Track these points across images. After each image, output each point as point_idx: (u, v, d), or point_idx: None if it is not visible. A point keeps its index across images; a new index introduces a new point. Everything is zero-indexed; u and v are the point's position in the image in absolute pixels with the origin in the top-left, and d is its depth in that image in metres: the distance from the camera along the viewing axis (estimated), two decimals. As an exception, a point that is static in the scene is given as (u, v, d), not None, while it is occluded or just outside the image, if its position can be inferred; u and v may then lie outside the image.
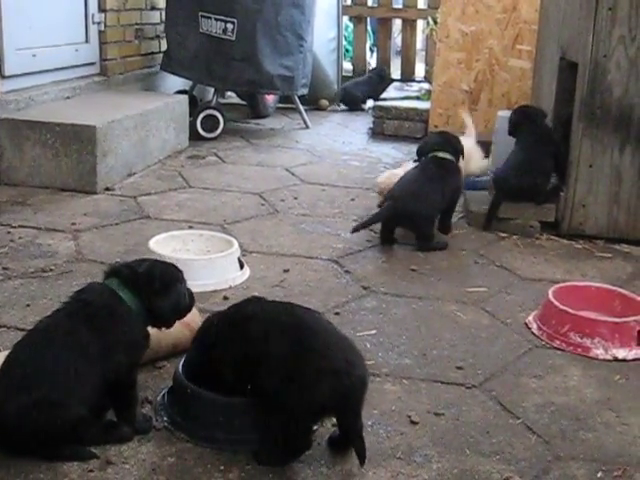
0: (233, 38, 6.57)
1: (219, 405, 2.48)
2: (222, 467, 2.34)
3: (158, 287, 2.49)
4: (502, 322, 3.46)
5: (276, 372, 2.31)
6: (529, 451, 2.51)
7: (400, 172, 4.63)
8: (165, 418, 2.56)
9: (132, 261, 2.58)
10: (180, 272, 2.61)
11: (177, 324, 2.81)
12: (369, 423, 2.56)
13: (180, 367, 2.61)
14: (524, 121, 4.87)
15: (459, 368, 3.02)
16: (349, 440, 2.38)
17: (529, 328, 3.40)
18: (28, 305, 3.33)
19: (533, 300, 3.65)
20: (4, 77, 5.22)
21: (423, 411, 2.69)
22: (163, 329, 2.61)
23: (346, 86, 8.83)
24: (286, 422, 2.30)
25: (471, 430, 2.60)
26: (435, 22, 7.81)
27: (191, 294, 2.64)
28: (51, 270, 3.74)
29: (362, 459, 2.34)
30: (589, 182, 4.51)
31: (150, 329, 2.57)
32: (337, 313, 3.42)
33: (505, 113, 5.78)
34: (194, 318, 2.96)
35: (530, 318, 3.47)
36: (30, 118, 5.11)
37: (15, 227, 4.31)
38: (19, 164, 5.09)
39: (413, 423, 2.62)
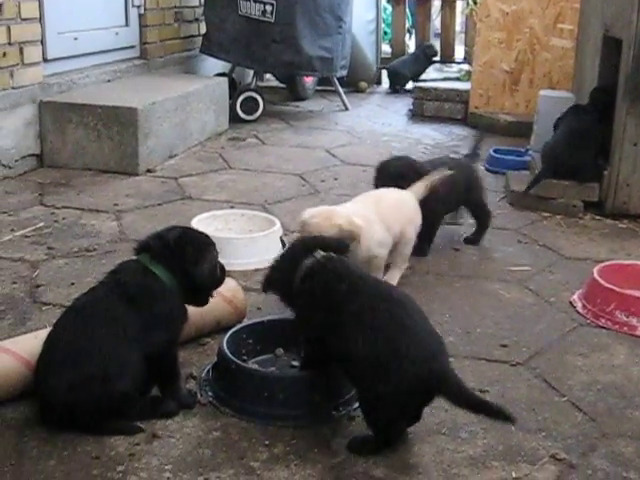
0: (272, 20, 6.57)
1: (263, 380, 2.48)
2: (267, 442, 2.35)
3: (192, 255, 2.46)
4: (546, 301, 3.43)
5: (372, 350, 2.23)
6: (575, 428, 2.49)
7: (340, 209, 3.24)
8: (210, 393, 2.57)
9: (161, 230, 2.55)
10: (211, 240, 2.58)
11: (220, 300, 2.84)
12: (413, 400, 2.55)
13: (225, 343, 2.62)
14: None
15: (503, 346, 3.00)
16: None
17: (574, 307, 3.37)
18: (73, 284, 3.36)
19: (577, 279, 3.61)
20: (46, 60, 5.26)
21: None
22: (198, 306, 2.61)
23: (393, 65, 8.76)
24: (378, 411, 2.27)
25: (516, 407, 2.58)
26: (475, 2, 7.74)
27: (223, 267, 2.62)
28: (95, 250, 3.78)
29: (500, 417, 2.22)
30: (634, 161, 4.45)
31: (193, 308, 2.58)
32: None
33: (547, 92, 5.74)
34: (236, 294, 2.98)
35: (575, 297, 3.43)
36: (72, 101, 5.15)
37: (59, 208, 4.35)
38: (62, 146, 5.14)
39: (458, 400, 2.61)
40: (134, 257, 2.53)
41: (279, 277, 2.54)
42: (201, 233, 2.62)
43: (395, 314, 2.28)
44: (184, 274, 2.46)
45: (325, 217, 3.10)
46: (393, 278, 3.44)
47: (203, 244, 2.53)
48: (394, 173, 3.71)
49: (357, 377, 2.31)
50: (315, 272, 2.43)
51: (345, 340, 2.27)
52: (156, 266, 2.46)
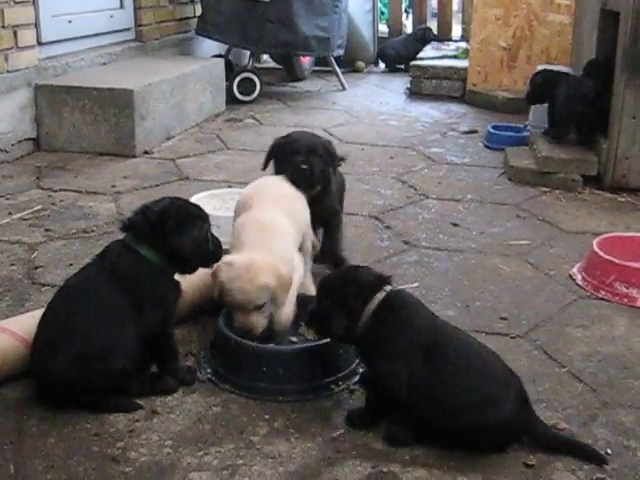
0: (267, 0, 6.52)
1: (262, 355, 2.48)
2: (267, 416, 2.35)
3: (172, 224, 2.40)
4: (546, 274, 3.42)
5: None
6: (576, 399, 2.49)
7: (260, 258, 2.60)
8: (209, 370, 2.57)
9: (149, 203, 2.49)
10: (202, 211, 2.51)
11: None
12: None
13: (222, 319, 2.62)
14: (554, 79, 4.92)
15: (503, 319, 2.99)
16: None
17: (573, 279, 3.36)
18: (71, 264, 3.35)
19: (577, 252, 3.61)
20: (41, 44, 5.24)
21: (467, 360, 2.67)
22: (189, 277, 2.54)
23: (383, 46, 8.72)
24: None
25: (516, 379, 2.58)
26: (472, -21, 7.69)
27: (218, 241, 2.55)
28: (92, 231, 3.77)
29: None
30: (632, 134, 4.43)
31: (189, 284, 2.56)
32: (378, 267, 3.39)
33: (545, 67, 5.70)
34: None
35: (574, 270, 3.42)
36: (68, 84, 5.13)
37: (56, 191, 4.34)
38: (58, 130, 5.12)
39: (458, 372, 2.60)
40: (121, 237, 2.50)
41: (339, 319, 2.30)
42: (189, 204, 2.54)
43: (474, 350, 2.29)
44: (168, 244, 2.40)
45: (247, 279, 2.54)
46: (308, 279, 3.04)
47: (185, 215, 2.45)
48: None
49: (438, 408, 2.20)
50: (393, 305, 2.30)
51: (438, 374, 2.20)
52: (140, 246, 2.42)
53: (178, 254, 2.41)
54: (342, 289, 2.31)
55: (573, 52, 5.90)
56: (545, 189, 4.54)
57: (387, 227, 3.90)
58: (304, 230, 2.99)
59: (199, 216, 2.49)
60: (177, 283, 2.49)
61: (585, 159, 4.58)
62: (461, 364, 2.21)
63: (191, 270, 2.51)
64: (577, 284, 3.32)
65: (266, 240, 2.68)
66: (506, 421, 2.17)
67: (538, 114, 5.42)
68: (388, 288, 2.32)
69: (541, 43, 6.74)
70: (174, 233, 2.40)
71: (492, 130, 5.55)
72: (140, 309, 2.38)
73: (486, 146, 5.49)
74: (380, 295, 2.29)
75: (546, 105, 4.97)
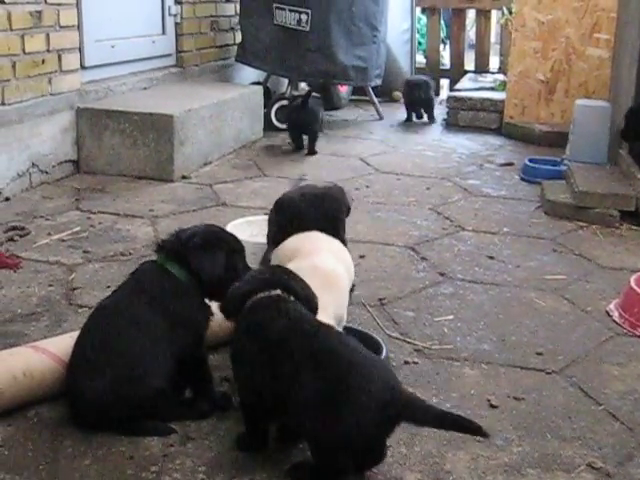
0: (307, 29, 6.58)
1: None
2: (301, 445, 2.33)
3: (196, 245, 2.42)
4: (582, 310, 3.39)
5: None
6: (612, 437, 2.46)
7: None
8: (244, 397, 2.57)
9: (187, 228, 2.53)
10: (234, 241, 2.52)
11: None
12: (448, 406, 2.54)
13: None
14: None
15: (539, 354, 2.97)
16: None
17: (610, 316, 3.33)
18: (108, 287, 3.37)
19: (614, 288, 3.58)
20: (84, 68, 5.32)
21: (503, 395, 2.66)
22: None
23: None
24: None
25: (552, 415, 2.56)
26: (510, 12, 7.71)
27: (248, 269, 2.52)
28: (130, 254, 3.81)
29: None
30: (672, 170, 4.41)
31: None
32: (414, 298, 3.41)
33: (583, 101, 5.71)
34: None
35: (611, 306, 3.40)
36: (109, 107, 5.19)
37: (95, 213, 4.39)
38: (98, 153, 5.18)
39: (493, 407, 2.59)
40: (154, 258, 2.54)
41: (232, 305, 2.33)
42: (223, 232, 2.56)
43: (339, 352, 2.13)
44: (191, 264, 2.43)
45: None
46: None
47: (213, 240, 2.46)
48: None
49: (311, 421, 2.09)
50: (253, 311, 2.26)
51: (293, 384, 2.11)
52: (171, 265, 2.46)
53: (198, 276, 2.44)
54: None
55: (612, 86, 5.88)
56: (582, 224, 4.51)
57: (423, 258, 3.90)
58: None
59: (227, 243, 2.50)
60: (206, 306, 2.51)
61: (623, 194, 4.55)
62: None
63: (216, 296, 2.48)
64: (614, 321, 3.29)
65: (327, 296, 2.61)
66: (378, 410, 2.03)
67: (576, 148, 5.42)
68: (266, 293, 2.31)
69: (579, 77, 6.73)
70: (196, 253, 2.43)
71: (529, 163, 5.54)
72: (172, 328, 2.40)
73: (523, 179, 5.47)
74: (250, 301, 2.30)
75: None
